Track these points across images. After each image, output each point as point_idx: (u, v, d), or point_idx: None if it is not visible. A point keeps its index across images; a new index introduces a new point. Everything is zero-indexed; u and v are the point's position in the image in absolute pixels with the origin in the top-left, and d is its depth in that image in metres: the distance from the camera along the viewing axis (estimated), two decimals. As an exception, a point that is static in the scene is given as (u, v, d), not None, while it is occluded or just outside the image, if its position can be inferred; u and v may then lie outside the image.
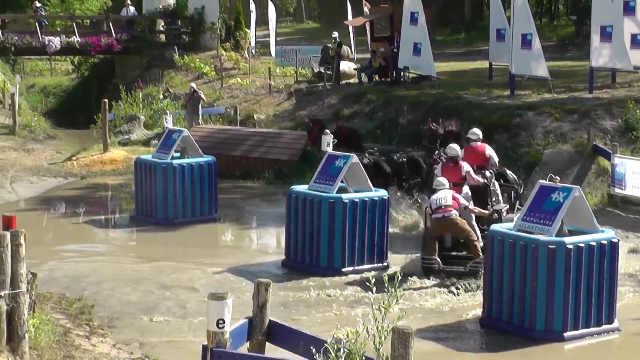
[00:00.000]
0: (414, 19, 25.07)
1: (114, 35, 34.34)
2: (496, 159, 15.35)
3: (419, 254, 14.63)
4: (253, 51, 34.64)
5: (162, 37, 36.20)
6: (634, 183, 16.82)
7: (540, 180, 12.27)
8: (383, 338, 6.35)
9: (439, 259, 13.39)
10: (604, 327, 11.37)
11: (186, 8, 36.01)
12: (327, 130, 18.61)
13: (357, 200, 14.12)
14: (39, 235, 16.68)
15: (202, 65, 32.97)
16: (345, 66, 29.22)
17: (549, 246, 10.98)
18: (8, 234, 8.74)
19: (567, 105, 20.64)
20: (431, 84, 25.20)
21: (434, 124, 17.32)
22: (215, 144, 23.20)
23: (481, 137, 15.50)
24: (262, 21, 43.85)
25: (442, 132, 16.91)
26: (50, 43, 33.07)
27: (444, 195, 13.57)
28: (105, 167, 23.89)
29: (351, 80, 28.87)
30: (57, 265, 14.71)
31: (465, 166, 14.49)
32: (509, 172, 15.94)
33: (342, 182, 14.43)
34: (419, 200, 16.88)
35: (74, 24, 35.06)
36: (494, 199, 14.62)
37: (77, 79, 41.29)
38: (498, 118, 20.71)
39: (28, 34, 33.75)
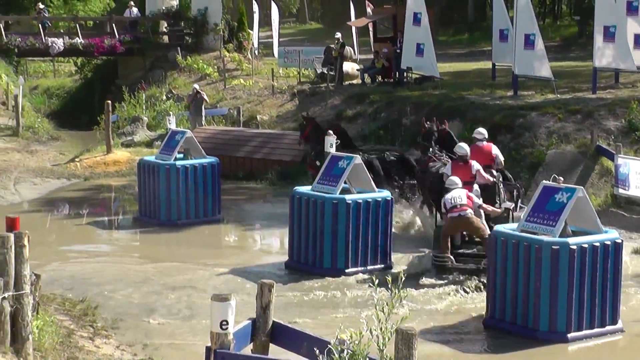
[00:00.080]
0: (416, 20, 25.05)
1: (117, 36, 34.40)
2: (502, 158, 15.48)
3: (420, 254, 14.69)
4: (256, 52, 34.67)
5: (165, 38, 36.24)
6: (638, 183, 16.79)
7: (544, 181, 12.26)
8: (387, 339, 6.35)
9: (452, 257, 13.47)
10: (608, 328, 11.35)
11: (189, 9, 36.06)
12: (331, 132, 18.59)
13: (360, 201, 14.11)
14: (43, 237, 16.70)
15: (205, 66, 32.99)
16: (348, 67, 29.20)
17: (553, 247, 10.97)
18: (12, 236, 8.74)
19: (570, 106, 20.62)
20: (434, 85, 25.18)
21: (427, 122, 17.41)
22: (219, 145, 23.20)
23: (487, 136, 15.60)
24: (265, 22, 43.97)
25: (436, 130, 17.00)
26: (54, 44, 33.12)
27: (459, 194, 13.61)
28: (108, 169, 23.91)
29: (354, 81, 28.87)
30: (60, 266, 14.73)
31: (476, 165, 14.58)
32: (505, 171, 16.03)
33: (345, 183, 14.42)
34: (412, 200, 16.95)
35: (77, 25, 35.14)
36: (501, 197, 14.73)
37: (80, 81, 41.34)
38: (501, 119, 20.69)
39: (31, 35, 33.80)
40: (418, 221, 16.92)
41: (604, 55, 21.67)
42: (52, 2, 42.30)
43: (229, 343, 7.22)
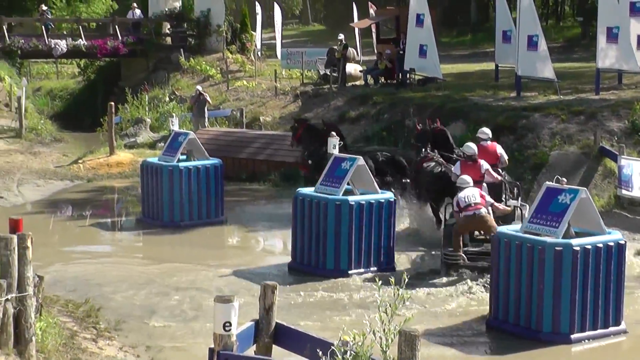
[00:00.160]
0: (419, 21, 25.06)
1: (120, 38, 34.42)
2: (506, 157, 15.71)
3: (420, 253, 14.72)
4: (259, 53, 34.68)
5: (168, 39, 36.27)
6: (641, 184, 16.78)
7: (547, 182, 12.26)
8: (390, 341, 6.35)
9: (464, 255, 13.53)
10: (611, 329, 11.34)
11: (192, 11, 36.08)
12: (334, 133, 18.61)
13: (363, 202, 14.11)
14: (46, 238, 16.70)
15: (208, 67, 33.01)
16: (351, 68, 29.22)
17: (556, 248, 10.96)
18: (15, 237, 8.75)
19: (573, 107, 20.61)
20: (437, 86, 25.18)
21: (419, 124, 17.46)
22: (222, 147, 23.20)
23: (491, 136, 15.76)
24: (268, 23, 43.97)
25: (428, 130, 17.07)
26: (57, 46, 33.16)
27: (472, 193, 13.66)
28: (111, 170, 23.92)
29: (357, 83, 28.88)
30: (63, 267, 14.74)
31: (485, 164, 14.73)
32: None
33: (348, 184, 14.42)
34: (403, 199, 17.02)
35: (80, 27, 35.17)
36: (507, 196, 14.89)
37: (83, 82, 41.37)
38: (504, 120, 20.68)
39: (34, 37, 33.85)
40: (415, 222, 16.96)
41: (607, 56, 21.67)
42: (55, 3, 42.35)
43: (232, 344, 7.22)
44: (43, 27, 34.01)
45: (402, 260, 14.81)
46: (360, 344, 6.45)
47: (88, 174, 23.59)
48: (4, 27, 33.02)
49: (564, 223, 11.14)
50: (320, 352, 6.66)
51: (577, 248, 11.00)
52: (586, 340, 11.12)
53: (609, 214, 16.43)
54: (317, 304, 12.72)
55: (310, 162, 18.76)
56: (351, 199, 14.10)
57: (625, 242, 11.69)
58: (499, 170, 15.24)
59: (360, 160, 14.47)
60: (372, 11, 33.95)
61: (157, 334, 11.44)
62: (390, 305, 6.36)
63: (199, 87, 27.29)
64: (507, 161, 15.69)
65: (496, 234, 11.95)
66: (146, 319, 11.98)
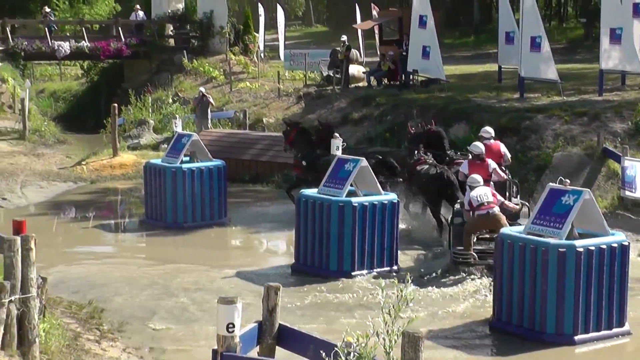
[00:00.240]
0: (422, 22, 25.05)
1: (123, 39, 34.43)
2: (509, 155, 15.86)
3: (422, 253, 14.75)
4: (262, 55, 34.68)
5: (171, 41, 36.28)
6: (645, 186, 16.76)
7: (550, 183, 12.25)
8: (393, 342, 6.34)
9: (474, 254, 13.58)
10: (615, 330, 11.33)
11: (195, 12, 36.09)
12: (337, 134, 18.62)
13: (366, 203, 14.11)
14: (49, 240, 16.72)
15: (211, 69, 33.02)
16: (354, 70, 29.22)
17: (559, 249, 10.95)
18: (18, 239, 8.76)
19: (576, 108, 20.60)
20: (440, 87, 25.17)
21: (412, 126, 17.50)
22: (225, 148, 23.21)
23: (493, 134, 15.82)
24: (271, 25, 43.92)
25: (422, 132, 17.08)
26: (60, 48, 33.18)
27: (484, 192, 13.69)
28: (114, 172, 23.94)
29: (360, 84, 28.88)
30: (67, 269, 14.75)
31: (492, 163, 14.84)
32: None
33: (351, 185, 14.42)
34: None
35: (83, 28, 35.19)
36: (511, 194, 15.02)
37: (87, 84, 41.41)
38: (507, 121, 20.67)
39: (38, 39, 33.86)
40: (409, 222, 16.99)
41: (610, 58, 21.65)
42: (58, 5, 42.41)
43: (235, 346, 7.22)
44: (46, 29, 34.01)
45: (402, 259, 14.79)
46: (363, 345, 6.44)
47: (91, 176, 23.61)
48: (7, 29, 33.04)
49: (567, 224, 11.13)
50: (324, 354, 6.65)
51: (581, 249, 10.98)
52: (590, 342, 11.10)
53: (613, 215, 16.41)
54: (320, 305, 12.72)
55: (303, 163, 18.86)
56: (354, 200, 14.10)
57: (629, 243, 11.69)
58: (503, 168, 15.31)
59: (364, 162, 14.47)
60: (375, 12, 33.94)
61: (160, 336, 11.45)
62: (393, 307, 6.36)
63: (202, 89, 27.31)
64: (510, 159, 15.84)
65: (499, 235, 11.94)
66: (149, 321, 11.98)
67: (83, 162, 24.69)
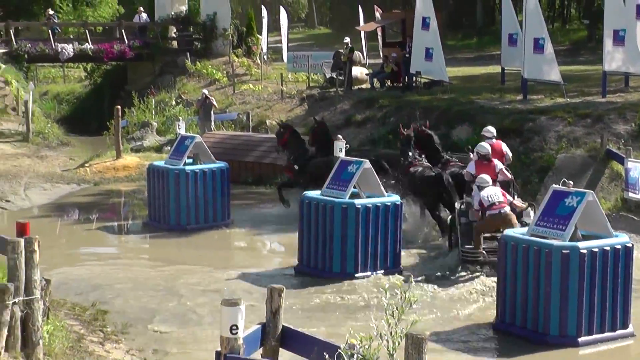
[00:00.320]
0: (425, 24, 25.04)
1: (126, 42, 34.48)
2: (510, 154, 15.96)
3: (422, 253, 14.78)
4: (265, 57, 34.71)
5: (175, 43, 36.32)
6: (648, 187, 16.74)
7: (554, 185, 12.23)
8: (397, 344, 6.34)
9: (484, 252, 13.65)
10: (619, 332, 11.32)
11: (198, 14, 36.14)
12: (340, 136, 18.63)
13: (369, 205, 14.11)
14: (53, 242, 16.73)
15: (214, 71, 33.04)
16: (357, 71, 29.22)
17: (563, 251, 10.94)
18: (22, 241, 8.77)
19: (580, 110, 20.58)
20: (443, 89, 25.16)
21: (405, 129, 17.54)
22: (228, 150, 23.22)
23: (495, 134, 15.84)
24: (274, 27, 44.06)
25: (413, 135, 17.17)
26: (63, 50, 33.22)
27: (494, 192, 13.77)
28: (118, 174, 23.95)
29: (363, 86, 28.88)
30: (70, 271, 14.76)
31: (499, 164, 14.93)
32: None
33: (354, 187, 14.42)
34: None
35: (87, 31, 35.21)
36: (513, 193, 15.04)
37: (90, 86, 41.45)
38: (511, 123, 20.65)
39: (41, 41, 33.91)
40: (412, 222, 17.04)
41: (613, 59, 21.62)
42: (61, 8, 42.45)
43: (238, 348, 7.22)
44: (50, 31, 34.05)
45: (404, 260, 14.76)
46: (367, 347, 6.44)
47: (95, 178, 23.63)
48: (11, 31, 33.09)
49: (570, 226, 11.12)
50: (327, 356, 6.64)
51: (584, 251, 10.98)
52: (594, 344, 11.09)
53: (616, 216, 16.39)
54: (323, 307, 12.71)
55: (296, 166, 18.90)
56: (357, 202, 14.09)
57: (633, 245, 11.67)
58: (507, 168, 15.36)
59: (367, 164, 14.47)
60: (378, 14, 33.97)
61: (163, 338, 11.45)
62: (397, 308, 6.35)
63: (205, 91, 27.33)
64: (511, 158, 15.95)
65: (503, 236, 11.93)
66: (153, 322, 11.99)
67: (86, 164, 24.70)
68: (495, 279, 13.09)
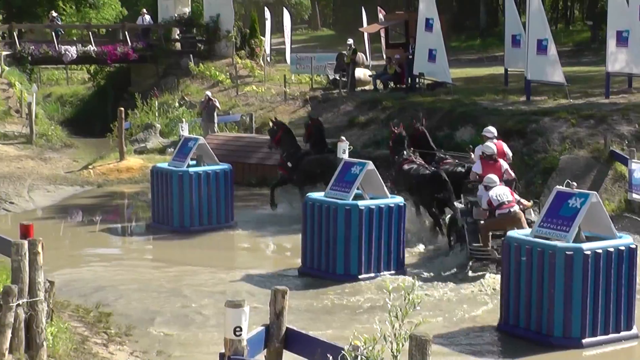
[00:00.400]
0: (429, 26, 25.04)
1: (129, 44, 34.49)
2: (510, 154, 16.00)
3: (423, 253, 14.86)
4: (268, 59, 34.71)
5: (178, 45, 36.32)
6: (652, 188, 16.72)
7: (557, 186, 12.23)
8: (401, 345, 6.33)
9: (493, 250, 13.69)
10: (623, 333, 11.31)
11: (201, 16, 36.14)
12: (343, 137, 18.64)
13: (373, 207, 14.10)
14: (56, 243, 16.75)
15: (217, 73, 33.04)
16: (361, 73, 29.22)
17: (567, 252, 10.93)
18: (26, 243, 8.78)
19: (583, 111, 20.57)
20: (447, 91, 25.16)
21: (396, 128, 17.55)
22: (231, 152, 23.23)
23: (496, 134, 15.88)
24: (277, 29, 43.97)
25: (405, 135, 17.24)
26: (67, 52, 33.25)
27: (503, 191, 13.83)
28: (121, 176, 23.96)
29: (366, 87, 28.88)
30: (74, 273, 14.77)
31: (504, 164, 14.99)
32: None
33: (358, 189, 14.42)
34: None
35: (90, 33, 35.23)
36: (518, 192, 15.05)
37: (93, 88, 41.46)
38: (514, 124, 20.65)
39: (44, 43, 33.93)
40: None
41: (616, 60, 21.62)
42: (65, 10, 42.50)
43: (242, 349, 7.22)
44: (53, 33, 34.09)
45: (407, 260, 14.75)
46: (370, 348, 6.43)
47: (98, 180, 23.64)
48: (14, 33, 33.15)
49: (574, 227, 11.11)
50: (331, 357, 6.64)
51: (588, 252, 10.97)
52: (598, 345, 11.08)
53: (620, 218, 16.37)
54: (327, 309, 12.71)
55: (289, 163, 18.95)
56: (361, 203, 14.09)
57: (637, 246, 11.64)
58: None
59: (370, 165, 14.47)
60: (381, 16, 33.96)
61: (167, 339, 11.45)
62: (400, 310, 6.35)
63: (209, 93, 27.34)
64: (511, 158, 15.99)
65: (506, 238, 11.92)
66: (156, 324, 11.99)
67: (90, 166, 24.71)
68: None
